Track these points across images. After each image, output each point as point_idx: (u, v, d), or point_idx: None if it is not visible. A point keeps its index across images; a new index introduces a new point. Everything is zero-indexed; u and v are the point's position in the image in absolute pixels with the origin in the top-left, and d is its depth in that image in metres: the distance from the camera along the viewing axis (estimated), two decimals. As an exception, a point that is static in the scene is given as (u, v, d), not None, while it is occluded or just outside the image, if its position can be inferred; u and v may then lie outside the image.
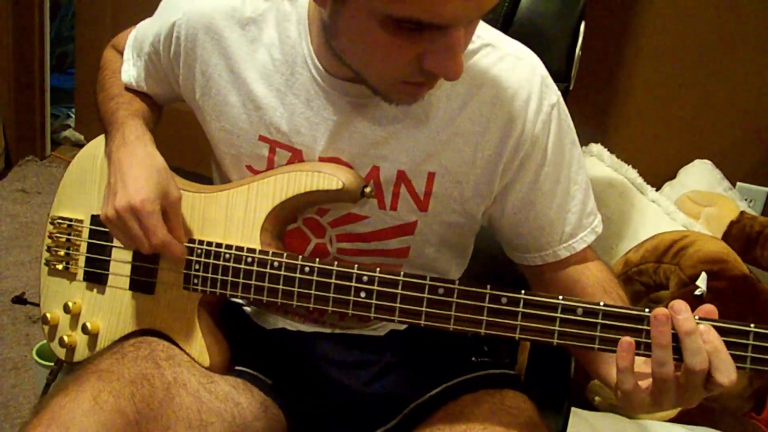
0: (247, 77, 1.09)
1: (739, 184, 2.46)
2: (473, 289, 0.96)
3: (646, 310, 0.90)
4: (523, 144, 1.07)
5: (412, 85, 0.95)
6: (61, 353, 1.23)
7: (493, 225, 1.18)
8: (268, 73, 1.08)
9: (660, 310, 0.88)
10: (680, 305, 0.88)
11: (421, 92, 0.98)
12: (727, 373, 0.87)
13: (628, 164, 2.30)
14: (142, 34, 1.22)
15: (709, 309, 0.90)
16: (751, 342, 0.88)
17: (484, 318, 0.96)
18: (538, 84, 1.08)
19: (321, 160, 1.09)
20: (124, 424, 0.95)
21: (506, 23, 1.51)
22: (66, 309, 1.20)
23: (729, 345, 0.87)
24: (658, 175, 2.42)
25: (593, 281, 1.12)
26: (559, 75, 1.48)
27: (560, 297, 0.93)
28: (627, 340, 0.90)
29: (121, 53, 1.28)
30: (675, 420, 1.82)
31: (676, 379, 0.89)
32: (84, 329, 1.18)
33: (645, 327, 0.90)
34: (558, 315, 0.93)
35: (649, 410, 0.92)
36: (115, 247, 1.18)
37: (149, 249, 1.06)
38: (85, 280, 1.21)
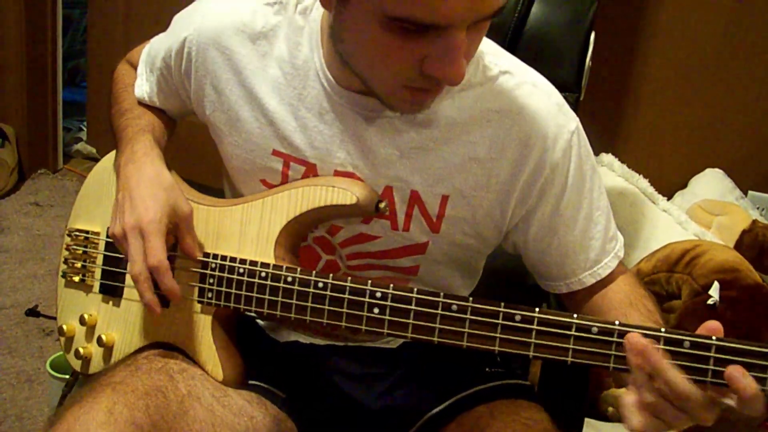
0: (259, 92, 1.09)
1: (750, 192, 2.46)
2: (487, 306, 0.95)
3: (662, 330, 0.89)
4: (541, 171, 1.07)
5: (415, 91, 0.95)
6: (76, 365, 1.24)
7: (518, 253, 1.18)
8: (279, 87, 1.09)
9: (633, 341, 0.86)
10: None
11: (426, 100, 0.98)
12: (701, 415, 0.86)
13: (639, 174, 2.31)
14: (155, 49, 1.22)
15: (713, 327, 0.87)
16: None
17: (498, 335, 0.95)
18: (555, 111, 1.08)
19: (336, 174, 1.09)
20: None
21: (516, 34, 1.51)
22: (82, 321, 1.21)
23: (748, 367, 0.84)
24: (669, 185, 2.42)
25: (620, 297, 1.12)
26: (570, 85, 1.48)
27: (575, 315, 0.92)
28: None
29: (135, 67, 1.29)
30: (687, 430, 1.81)
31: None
32: (99, 341, 1.18)
33: (660, 347, 0.88)
34: (572, 333, 0.92)
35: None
36: (129, 260, 1.18)
37: (145, 270, 1.03)
38: (101, 292, 1.22)
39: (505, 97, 1.06)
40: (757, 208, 2.43)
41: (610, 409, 1.87)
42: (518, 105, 1.06)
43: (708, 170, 2.43)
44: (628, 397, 0.88)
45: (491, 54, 1.08)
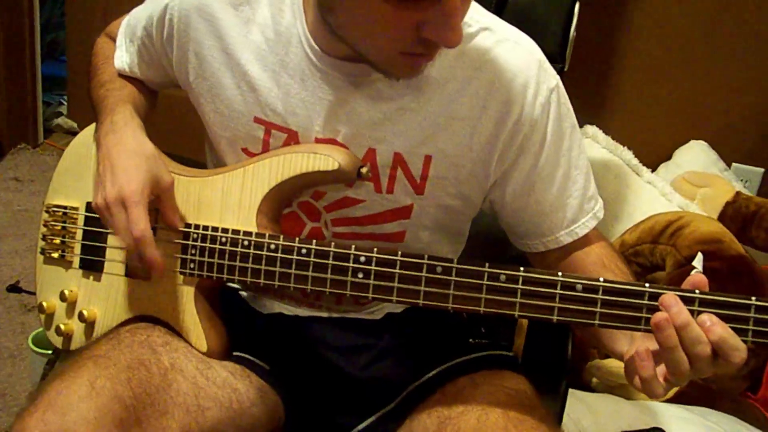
0: (241, 58, 1.08)
1: (734, 164, 2.46)
2: (472, 267, 0.95)
3: (646, 285, 0.90)
4: (521, 128, 1.07)
5: (411, 56, 0.94)
6: (57, 342, 1.23)
7: (495, 211, 1.17)
8: (262, 53, 1.08)
9: (658, 317, 0.87)
10: (669, 299, 0.88)
11: (421, 64, 0.98)
12: (736, 354, 0.86)
13: (624, 146, 2.30)
14: (135, 19, 1.22)
15: (696, 280, 0.90)
16: (752, 315, 0.87)
17: (483, 296, 0.95)
18: (535, 68, 1.07)
19: (317, 141, 1.08)
20: (121, 409, 0.94)
21: (500, 5, 1.50)
22: (62, 297, 1.20)
23: (729, 319, 0.87)
24: (653, 156, 2.42)
25: (594, 259, 1.12)
26: (554, 57, 1.47)
27: (559, 273, 0.93)
28: (644, 350, 0.90)
29: (114, 40, 1.27)
30: (672, 400, 1.82)
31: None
32: (81, 317, 1.18)
33: (645, 302, 0.90)
34: (557, 292, 0.92)
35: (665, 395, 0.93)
36: (111, 233, 1.17)
37: (130, 241, 1.03)
38: (81, 267, 1.20)
39: (486, 54, 1.06)
40: (741, 180, 2.43)
41: (595, 380, 1.88)
42: (499, 62, 1.06)
43: (692, 142, 2.43)
44: (647, 371, 0.89)
45: (471, 9, 1.07)
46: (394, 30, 0.90)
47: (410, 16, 0.88)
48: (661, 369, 0.91)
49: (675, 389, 1.82)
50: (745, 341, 0.88)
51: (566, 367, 1.36)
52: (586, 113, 2.41)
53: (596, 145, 2.28)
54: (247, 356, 1.17)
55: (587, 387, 1.89)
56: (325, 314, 1.22)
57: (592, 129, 2.30)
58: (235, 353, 1.16)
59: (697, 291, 0.89)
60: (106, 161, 1.07)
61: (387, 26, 0.90)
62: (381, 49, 0.94)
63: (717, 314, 0.88)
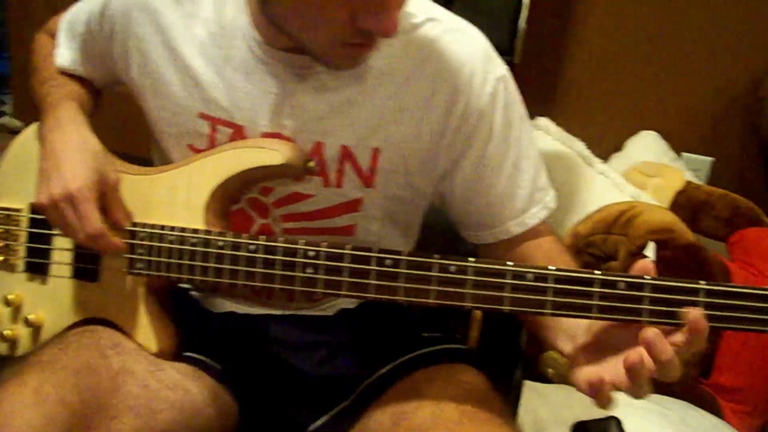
0: (185, 53, 1.07)
1: (684, 154, 2.49)
2: (421, 259, 0.95)
3: (597, 272, 0.90)
4: (468, 118, 1.06)
5: (351, 46, 0.94)
6: (2, 348, 1.19)
7: (444, 203, 1.17)
8: (205, 48, 1.06)
9: (648, 333, 0.85)
10: (650, 336, 0.85)
11: (361, 54, 0.98)
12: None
13: (576, 137, 2.32)
14: (75, 15, 1.19)
15: (644, 266, 0.89)
16: (702, 299, 0.87)
17: (434, 288, 0.94)
18: (482, 57, 1.07)
19: (263, 135, 1.07)
20: (68, 415, 0.92)
21: (449, -2, 1.50)
22: (6, 302, 1.17)
23: (679, 303, 0.87)
24: (605, 147, 2.44)
25: (543, 253, 1.12)
26: (504, 49, 1.48)
27: (509, 263, 0.92)
28: (597, 379, 0.89)
29: (54, 37, 1.25)
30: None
31: None
32: (26, 322, 1.15)
33: (596, 289, 0.89)
34: (508, 281, 0.92)
35: None
36: (56, 235, 1.15)
37: (84, 238, 1.03)
38: (26, 271, 1.18)
39: (432, 44, 1.06)
40: (691, 170, 2.46)
41: (551, 370, 1.89)
42: (445, 52, 1.06)
43: (643, 133, 2.46)
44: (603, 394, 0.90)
45: (416, 0, 1.07)
46: (331, 20, 0.90)
47: (345, 5, 0.88)
48: (611, 377, 0.90)
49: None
50: None
51: (521, 359, 1.36)
52: (538, 105, 2.42)
53: (548, 137, 2.29)
54: (199, 357, 1.15)
55: (542, 378, 1.90)
56: (277, 312, 1.21)
57: (543, 121, 2.31)
58: (186, 354, 1.14)
59: (646, 277, 0.89)
60: (51, 158, 1.05)
61: (323, 16, 0.90)
62: (319, 40, 0.94)
63: (667, 300, 0.88)
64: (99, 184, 1.03)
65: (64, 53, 1.22)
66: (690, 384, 1.92)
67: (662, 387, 1.84)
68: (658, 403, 1.74)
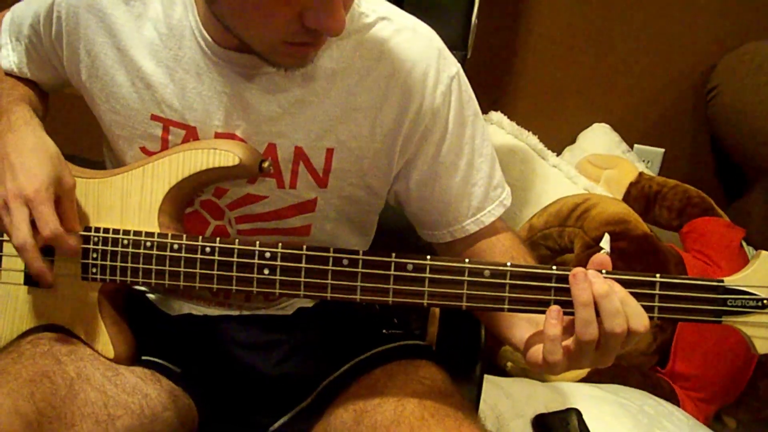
0: (135, 55, 1.05)
1: (636, 145, 2.52)
2: (378, 258, 0.95)
3: (553, 267, 0.91)
4: (422, 117, 1.06)
5: (296, 46, 0.93)
6: (-46, 357, 1.17)
7: (400, 202, 1.17)
8: (155, 49, 1.05)
9: (578, 269, 0.89)
10: (592, 273, 0.89)
11: (309, 54, 0.97)
12: (639, 320, 0.88)
13: (529, 131, 2.33)
14: (19, 16, 1.16)
15: (601, 260, 0.91)
16: (657, 292, 0.89)
17: (391, 286, 0.95)
18: (435, 56, 1.07)
19: (217, 136, 1.06)
20: (23, 425, 0.91)
21: (401, -7, 1.50)
22: (-45, 311, 1.14)
23: (636, 297, 0.89)
24: (558, 140, 2.46)
25: (500, 250, 1.13)
26: (456, 44, 1.48)
27: (467, 260, 0.93)
28: (556, 307, 0.90)
29: None
30: (585, 380, 1.86)
31: (598, 340, 0.89)
32: (-23, 331, 1.13)
33: (553, 285, 0.91)
34: (465, 278, 0.93)
35: (563, 372, 0.93)
36: (6, 241, 1.13)
37: (40, 242, 1.00)
38: (-25, 279, 1.15)
39: (384, 44, 1.05)
40: (643, 161, 2.50)
41: (510, 364, 1.90)
42: (398, 52, 1.05)
43: (595, 125, 2.48)
44: (554, 329, 0.89)
45: (367, 0, 1.07)
46: (276, 18, 0.89)
47: (290, 2, 0.87)
48: (566, 341, 0.91)
49: (586, 370, 1.85)
50: (651, 318, 0.90)
51: (481, 353, 1.37)
52: (491, 99, 2.44)
53: (501, 131, 2.30)
54: (156, 360, 1.14)
55: (502, 371, 1.91)
56: (235, 312, 1.21)
57: (496, 115, 2.32)
58: (144, 358, 1.13)
59: (603, 271, 0.90)
60: (4, 159, 1.02)
61: (268, 15, 0.88)
62: (264, 39, 0.93)
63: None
64: (55, 187, 1.01)
65: (10, 55, 1.18)
66: (647, 373, 1.95)
67: (619, 377, 1.87)
68: (616, 394, 1.76)
